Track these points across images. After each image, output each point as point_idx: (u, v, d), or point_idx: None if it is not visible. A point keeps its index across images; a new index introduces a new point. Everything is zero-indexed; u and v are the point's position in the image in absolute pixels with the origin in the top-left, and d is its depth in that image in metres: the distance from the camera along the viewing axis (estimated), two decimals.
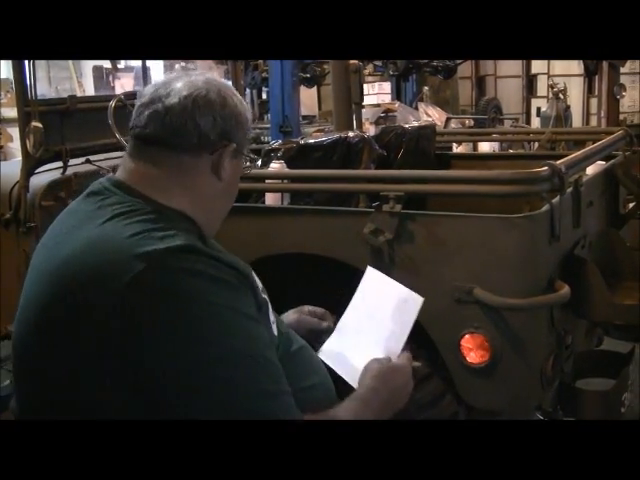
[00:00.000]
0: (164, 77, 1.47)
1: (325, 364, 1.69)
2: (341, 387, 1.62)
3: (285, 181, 2.77)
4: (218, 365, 1.25)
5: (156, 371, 1.23)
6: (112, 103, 3.26)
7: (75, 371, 1.27)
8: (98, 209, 1.37)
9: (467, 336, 2.23)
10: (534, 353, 2.28)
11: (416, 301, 1.69)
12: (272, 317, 1.52)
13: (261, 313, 1.41)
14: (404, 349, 1.64)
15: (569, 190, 2.37)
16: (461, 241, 2.24)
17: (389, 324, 1.69)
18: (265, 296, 1.50)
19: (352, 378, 1.61)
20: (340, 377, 1.65)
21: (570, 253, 2.46)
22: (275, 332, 1.50)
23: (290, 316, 1.83)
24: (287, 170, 2.81)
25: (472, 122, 9.59)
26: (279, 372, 1.34)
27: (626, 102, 11.81)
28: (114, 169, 2.99)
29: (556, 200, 2.28)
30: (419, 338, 2.32)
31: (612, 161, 3.13)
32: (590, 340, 3.09)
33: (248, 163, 1.56)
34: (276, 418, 1.28)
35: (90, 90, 8.71)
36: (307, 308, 1.85)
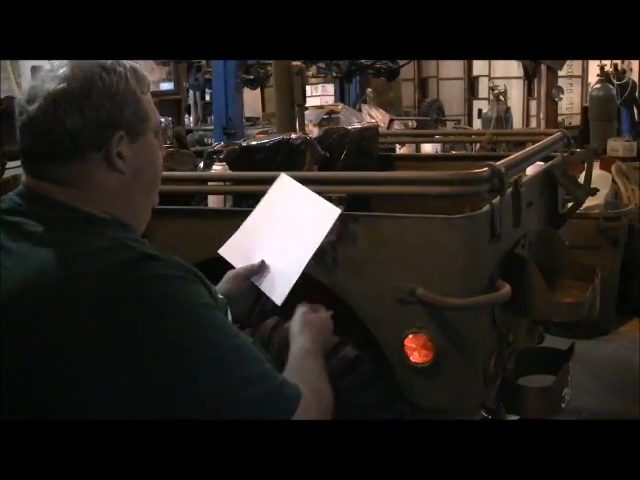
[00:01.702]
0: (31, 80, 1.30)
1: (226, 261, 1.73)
2: None
3: (227, 183, 2.75)
4: (221, 363, 1.24)
5: (157, 373, 1.18)
6: None
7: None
8: (22, 226, 1.25)
9: (410, 336, 2.24)
10: (477, 352, 2.31)
11: (332, 212, 1.65)
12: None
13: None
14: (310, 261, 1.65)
15: (509, 190, 2.39)
16: (403, 242, 2.24)
17: (301, 232, 1.65)
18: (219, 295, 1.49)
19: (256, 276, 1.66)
20: None
21: (510, 252, 2.50)
22: None
23: (227, 283, 1.82)
24: (229, 172, 2.79)
25: (415, 123, 9.66)
26: (258, 353, 1.33)
27: (564, 104, 12.06)
28: None
29: (496, 200, 2.30)
30: (364, 338, 2.33)
31: (551, 162, 3.17)
32: (531, 338, 3.14)
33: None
34: (281, 391, 1.30)
35: None
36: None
